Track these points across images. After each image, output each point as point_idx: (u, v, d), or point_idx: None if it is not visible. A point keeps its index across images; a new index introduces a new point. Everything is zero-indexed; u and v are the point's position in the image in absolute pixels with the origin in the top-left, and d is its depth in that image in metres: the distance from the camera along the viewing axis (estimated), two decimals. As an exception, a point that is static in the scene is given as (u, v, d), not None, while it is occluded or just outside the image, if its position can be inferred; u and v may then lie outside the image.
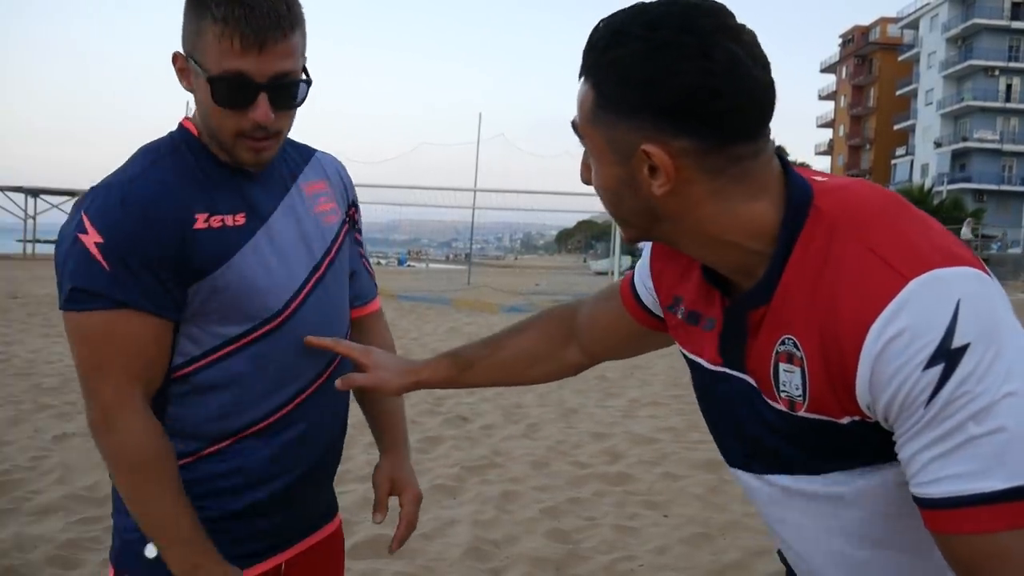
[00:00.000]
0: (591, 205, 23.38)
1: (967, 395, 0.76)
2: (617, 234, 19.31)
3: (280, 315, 1.30)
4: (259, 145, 1.23)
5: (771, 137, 0.91)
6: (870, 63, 66.21)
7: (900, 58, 61.19)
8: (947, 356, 0.76)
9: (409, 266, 48.70)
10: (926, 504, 0.80)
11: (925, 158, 55.66)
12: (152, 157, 1.26)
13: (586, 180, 0.98)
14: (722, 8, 0.87)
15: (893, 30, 63.37)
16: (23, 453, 4.67)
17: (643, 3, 0.89)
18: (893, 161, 60.52)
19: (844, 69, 69.28)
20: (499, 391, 6.97)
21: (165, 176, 1.23)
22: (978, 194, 50.58)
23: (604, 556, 3.50)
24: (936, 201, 39.22)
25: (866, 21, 69.82)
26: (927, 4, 56.79)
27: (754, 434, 0.99)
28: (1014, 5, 51.92)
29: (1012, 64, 52.17)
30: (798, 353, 0.88)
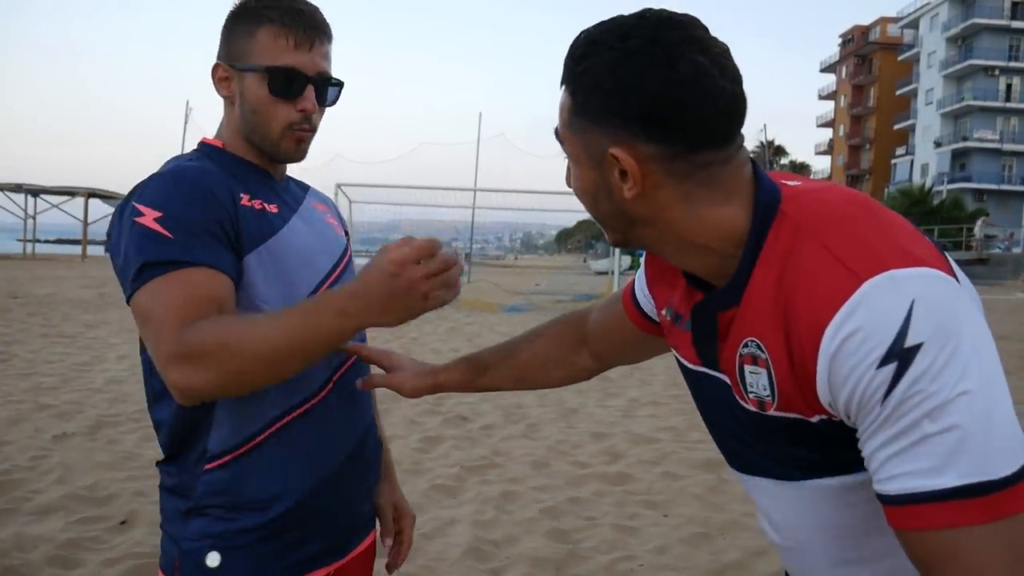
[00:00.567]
0: (591, 205, 23.24)
1: (920, 393, 0.78)
2: (617, 234, 19.16)
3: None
4: (302, 135, 1.36)
5: (743, 144, 0.94)
6: (870, 63, 66.23)
7: (900, 58, 61.20)
8: (900, 355, 0.78)
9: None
10: (885, 501, 0.82)
11: (925, 158, 55.67)
12: (187, 158, 1.36)
13: (569, 184, 1.03)
14: (693, 21, 0.91)
15: (893, 30, 63.39)
16: (23, 453, 4.67)
17: (621, 15, 0.93)
18: (893, 161, 60.55)
19: (844, 69, 69.30)
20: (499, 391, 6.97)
21: (206, 166, 1.32)
22: (978, 194, 50.58)
23: (604, 556, 3.50)
24: (936, 201, 39.23)
25: (866, 21, 70.01)
26: (927, 4, 56.80)
27: (734, 432, 1.03)
28: (1014, 5, 51.91)
29: (1012, 64, 52.15)
30: (762, 355, 0.91)
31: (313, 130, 1.38)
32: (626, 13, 0.93)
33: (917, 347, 0.78)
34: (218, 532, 1.28)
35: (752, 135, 32.92)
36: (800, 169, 68.58)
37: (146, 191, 1.23)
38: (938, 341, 0.78)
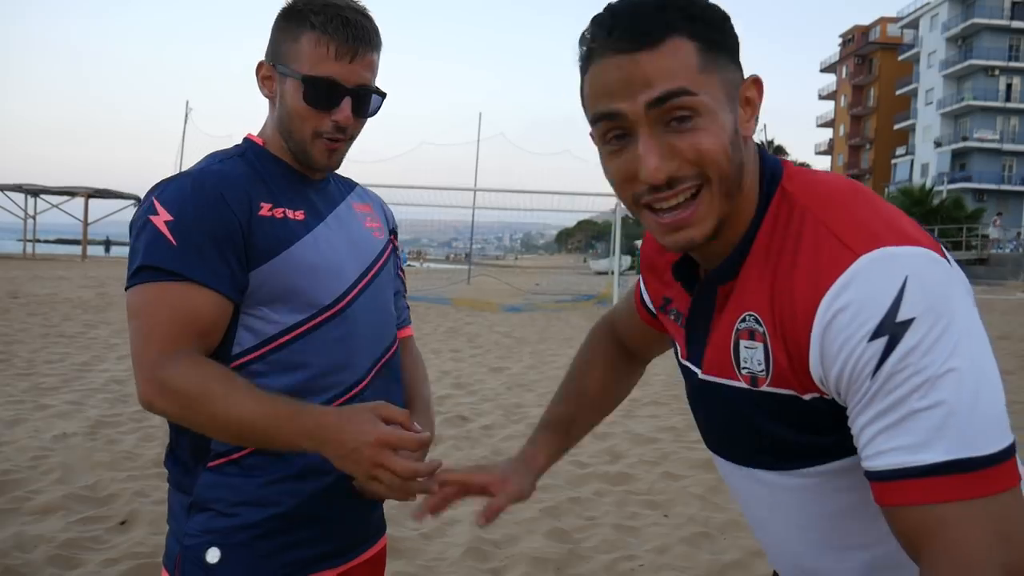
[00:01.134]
0: (591, 205, 23.36)
1: (910, 368, 0.78)
2: (617, 234, 19.25)
3: (335, 306, 1.34)
4: (334, 145, 1.35)
5: None
6: (870, 63, 66.18)
7: (900, 58, 61.15)
8: (891, 329, 0.78)
9: (409, 266, 48.74)
10: (872, 477, 0.82)
11: (925, 158, 55.64)
12: (220, 157, 1.37)
13: (658, 178, 0.88)
14: None
15: (893, 30, 63.33)
16: (23, 453, 4.66)
17: None
18: (893, 161, 60.52)
19: (844, 69, 69.24)
20: (497, 389, 6.97)
21: (233, 170, 1.33)
22: (978, 194, 50.53)
23: (604, 556, 3.50)
24: (936, 201, 39.19)
25: (866, 21, 69.98)
26: (927, 4, 56.76)
27: (722, 422, 1.04)
28: (1014, 5, 51.88)
29: (1012, 64, 52.11)
30: (760, 328, 0.91)
31: (349, 139, 1.36)
32: None
33: (909, 322, 0.78)
34: (218, 528, 1.29)
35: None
36: (800, 169, 68.35)
37: (167, 190, 1.27)
38: (930, 317, 0.78)
